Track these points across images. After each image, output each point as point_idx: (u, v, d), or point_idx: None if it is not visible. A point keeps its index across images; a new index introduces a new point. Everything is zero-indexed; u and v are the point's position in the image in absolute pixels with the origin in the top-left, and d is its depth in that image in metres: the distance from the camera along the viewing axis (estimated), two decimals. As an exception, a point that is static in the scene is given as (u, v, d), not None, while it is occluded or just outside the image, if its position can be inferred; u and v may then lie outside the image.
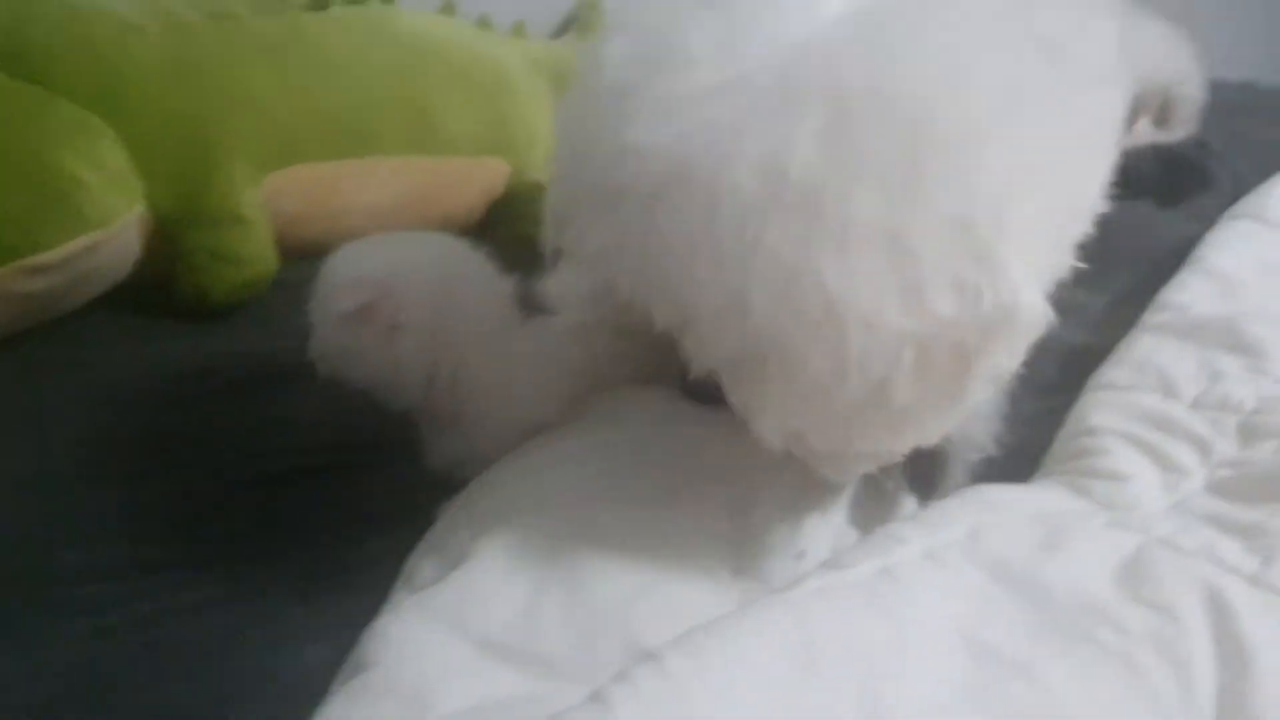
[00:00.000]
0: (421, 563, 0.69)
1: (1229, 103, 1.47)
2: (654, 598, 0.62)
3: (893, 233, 0.58)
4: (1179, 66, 1.38)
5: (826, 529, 0.72)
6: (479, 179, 1.10)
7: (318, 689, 0.60)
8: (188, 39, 0.97)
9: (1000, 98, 0.60)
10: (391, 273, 0.78)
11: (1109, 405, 0.83)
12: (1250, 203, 1.08)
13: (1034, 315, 0.62)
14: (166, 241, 0.97)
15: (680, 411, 0.78)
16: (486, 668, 0.59)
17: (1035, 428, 0.86)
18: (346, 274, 0.78)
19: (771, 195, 0.57)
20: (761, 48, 0.59)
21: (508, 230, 0.88)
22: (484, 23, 1.21)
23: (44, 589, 0.69)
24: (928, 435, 0.66)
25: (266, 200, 0.99)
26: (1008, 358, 0.64)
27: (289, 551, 0.74)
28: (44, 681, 0.63)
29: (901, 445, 0.66)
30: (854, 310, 0.58)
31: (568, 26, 1.36)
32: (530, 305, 0.84)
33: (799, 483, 0.72)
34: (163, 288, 0.99)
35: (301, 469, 0.82)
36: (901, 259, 0.58)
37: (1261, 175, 1.16)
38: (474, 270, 0.82)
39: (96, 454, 0.83)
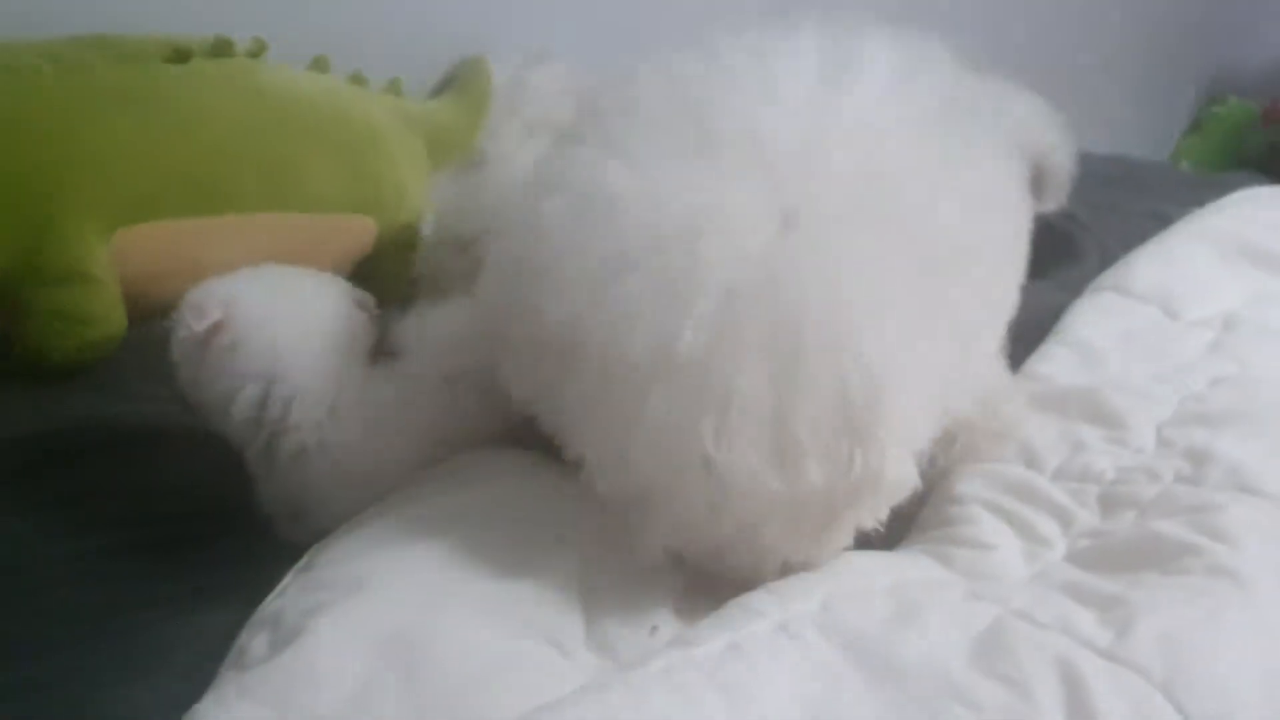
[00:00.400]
0: (252, 640, 0.65)
1: (1099, 175, 1.50)
2: (499, 677, 0.59)
3: (773, 409, 0.64)
4: (1050, 139, 1.41)
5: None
6: (344, 236, 1.07)
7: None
8: (30, 89, 0.93)
9: (871, 296, 0.66)
10: (239, 294, 0.77)
11: (975, 474, 0.82)
12: (1113, 274, 1.10)
13: (900, 480, 0.68)
14: (4, 299, 0.92)
15: (534, 474, 0.75)
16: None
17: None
18: (196, 295, 0.77)
19: (659, 370, 0.64)
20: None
21: (375, 288, 0.85)
22: (357, 79, 1.19)
23: None
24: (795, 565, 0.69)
25: (116, 258, 0.95)
26: (871, 515, 0.69)
27: (114, 628, 0.70)
28: None
29: (770, 569, 0.69)
30: (731, 473, 0.64)
31: (445, 85, 1.35)
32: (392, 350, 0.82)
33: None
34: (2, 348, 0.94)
35: (135, 541, 0.78)
36: (779, 432, 0.64)
37: (1127, 247, 1.18)
38: (331, 303, 0.81)
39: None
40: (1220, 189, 1.31)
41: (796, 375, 0.64)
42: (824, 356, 0.64)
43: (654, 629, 0.67)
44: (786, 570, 0.68)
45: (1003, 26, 1.96)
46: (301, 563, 0.72)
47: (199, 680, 0.64)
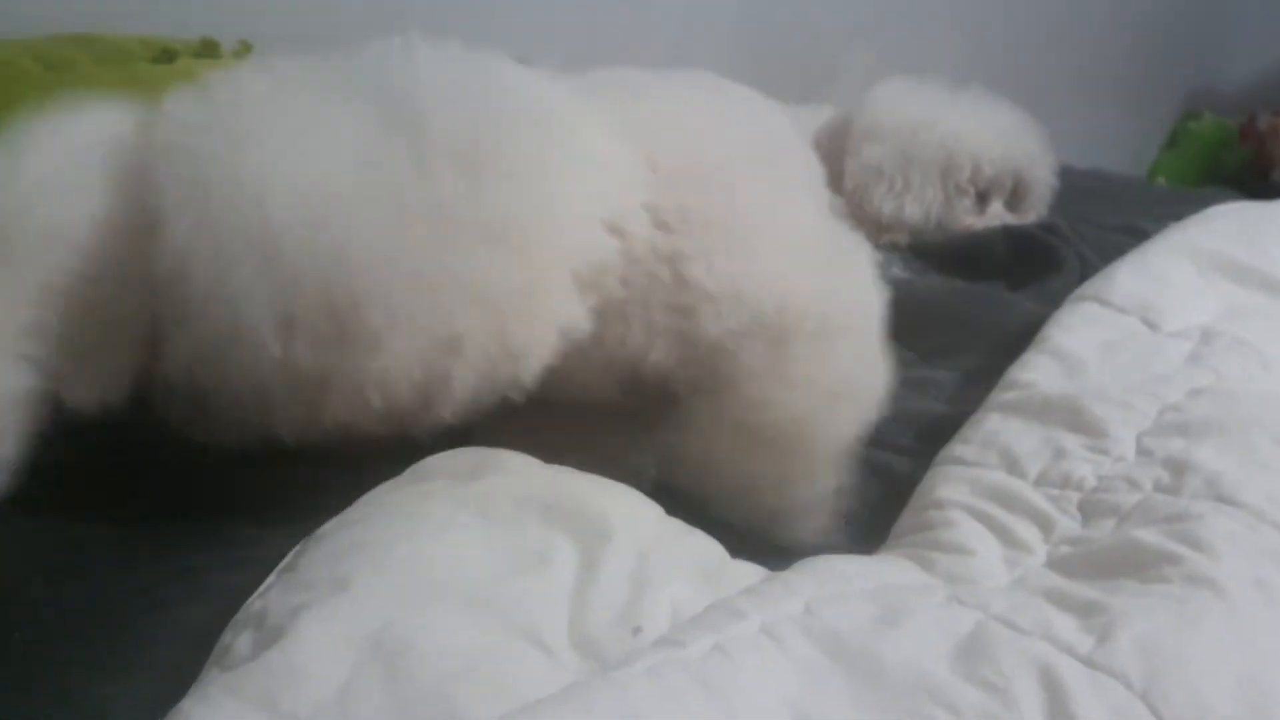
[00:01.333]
0: (236, 638, 0.65)
1: (1077, 188, 1.53)
2: (483, 675, 0.59)
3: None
4: (1031, 152, 1.43)
5: (666, 602, 0.70)
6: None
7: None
8: (16, 87, 0.92)
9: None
10: None
11: (956, 479, 0.83)
12: (1094, 285, 1.11)
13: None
14: None
15: (523, 474, 0.76)
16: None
17: (887, 498, 0.87)
18: None
19: None
20: None
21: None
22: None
23: None
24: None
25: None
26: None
27: (92, 624, 0.70)
28: None
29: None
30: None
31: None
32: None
33: (639, 545, 0.71)
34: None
35: (114, 535, 0.77)
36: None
37: (1106, 258, 1.20)
38: None
39: None
40: (1196, 204, 1.32)
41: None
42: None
43: (637, 629, 0.67)
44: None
45: (984, 42, 1.98)
46: (285, 562, 0.72)
47: (179, 679, 0.64)
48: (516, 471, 0.79)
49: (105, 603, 0.71)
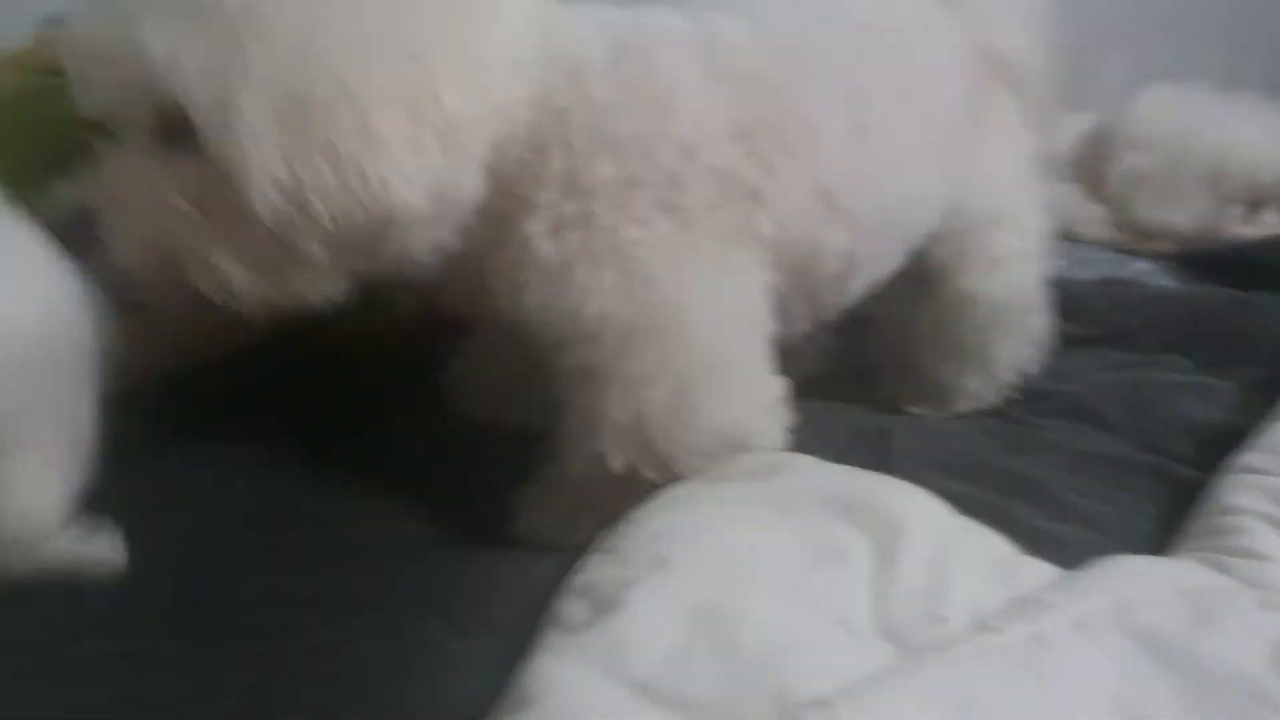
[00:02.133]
0: (571, 605, 0.71)
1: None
2: (802, 651, 0.63)
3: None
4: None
5: (963, 594, 0.72)
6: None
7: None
8: None
9: None
10: None
11: (1249, 488, 0.83)
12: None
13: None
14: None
15: (822, 466, 0.80)
16: (638, 710, 0.60)
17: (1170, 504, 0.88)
18: None
19: None
20: None
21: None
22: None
23: (221, 618, 0.73)
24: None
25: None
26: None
27: (430, 583, 0.78)
28: (217, 702, 0.66)
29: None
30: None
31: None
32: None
33: (934, 540, 0.74)
34: None
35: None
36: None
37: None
38: None
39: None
40: None
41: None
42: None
43: (940, 619, 0.70)
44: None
45: (1251, 46, 1.90)
46: (605, 543, 0.78)
47: (517, 639, 0.70)
48: (810, 470, 0.83)
49: (452, 569, 0.79)
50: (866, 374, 1.15)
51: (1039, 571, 0.75)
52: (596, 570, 0.74)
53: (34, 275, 0.72)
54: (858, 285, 0.96)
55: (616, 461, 0.82)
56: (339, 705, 0.66)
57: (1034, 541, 0.85)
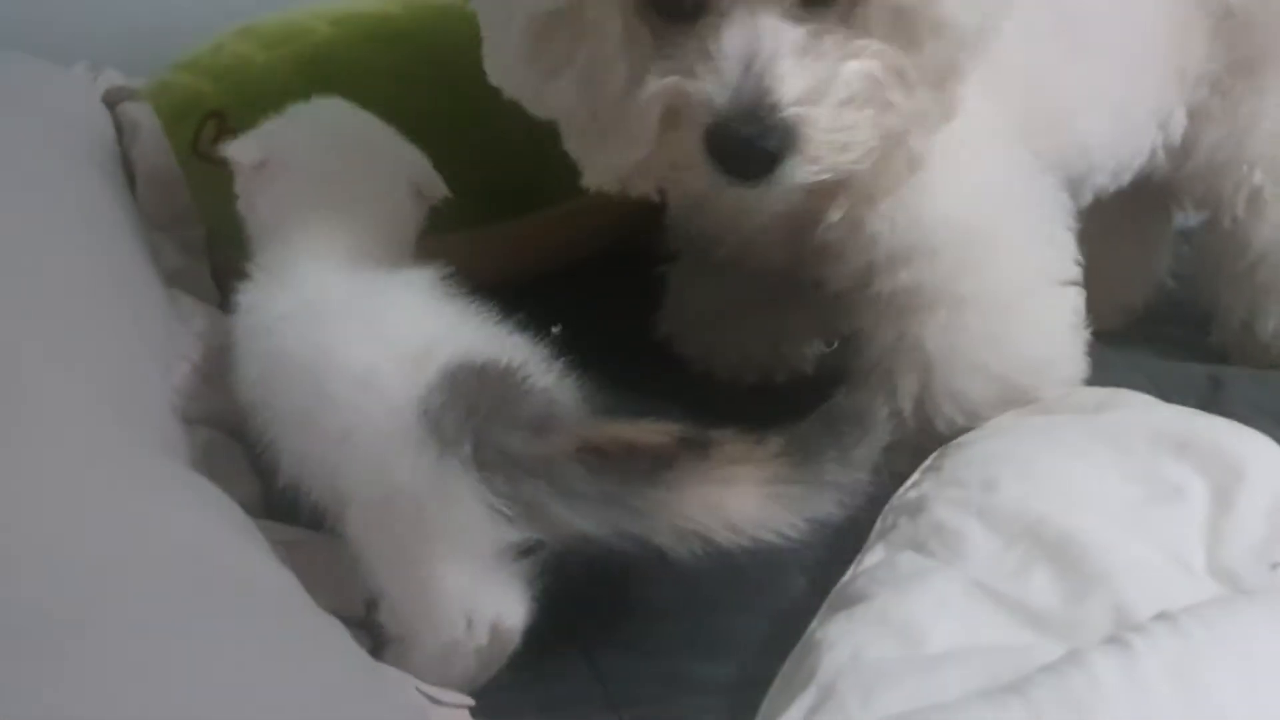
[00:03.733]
0: (898, 519, 0.75)
1: None
2: (1139, 574, 0.65)
3: None
4: None
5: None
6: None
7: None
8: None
9: None
10: None
11: None
12: None
13: None
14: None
15: (1156, 405, 0.80)
16: (976, 610, 0.64)
17: None
18: None
19: None
20: None
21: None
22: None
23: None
24: None
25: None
26: None
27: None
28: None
29: None
30: None
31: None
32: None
33: (1275, 487, 0.73)
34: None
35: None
36: None
37: None
38: None
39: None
40: None
41: None
42: None
43: (1276, 565, 0.70)
44: None
45: None
46: (928, 463, 0.82)
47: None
48: (1143, 408, 0.83)
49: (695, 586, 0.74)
50: (1200, 320, 1.13)
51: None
52: (924, 487, 0.78)
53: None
54: None
55: (908, 405, 0.85)
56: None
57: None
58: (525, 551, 0.67)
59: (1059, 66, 0.93)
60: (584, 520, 0.61)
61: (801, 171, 0.68)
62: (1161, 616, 0.54)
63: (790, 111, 0.67)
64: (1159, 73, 1.01)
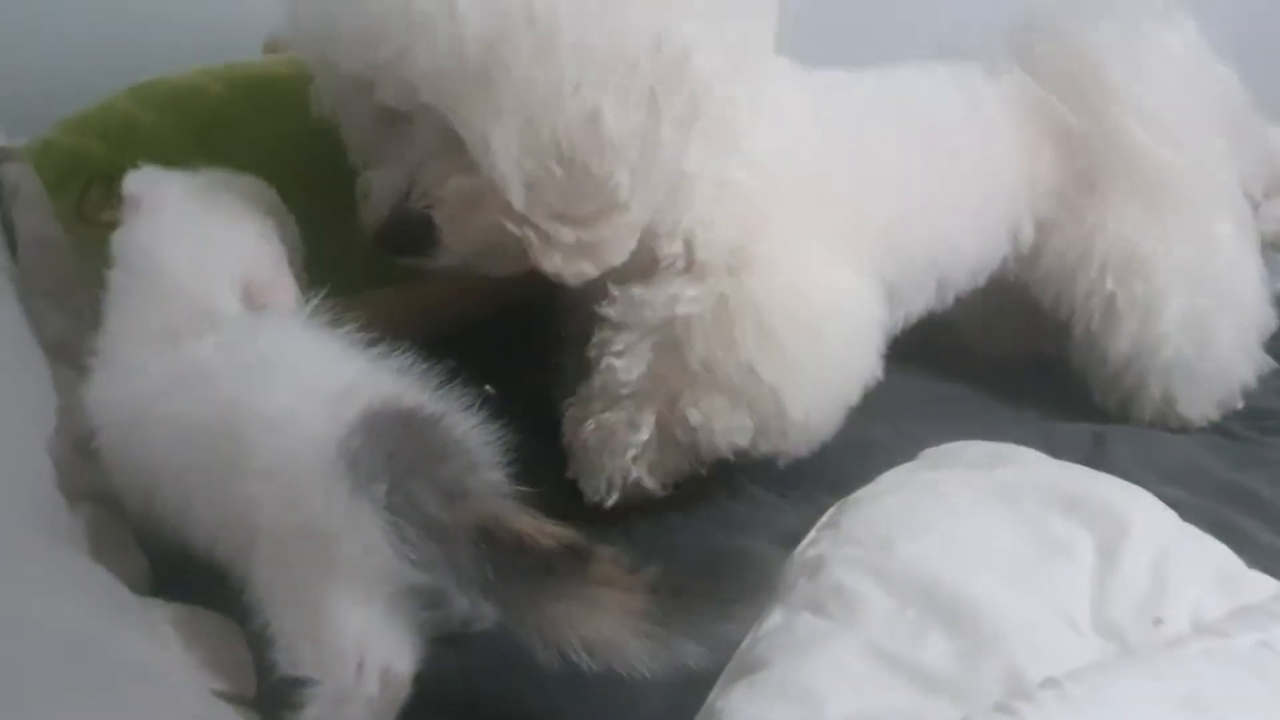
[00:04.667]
0: (798, 579, 0.75)
1: None
2: (1030, 634, 0.66)
3: None
4: None
5: (1186, 600, 0.74)
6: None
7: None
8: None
9: None
10: None
11: None
12: None
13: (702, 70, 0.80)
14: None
15: (1043, 461, 0.82)
16: (873, 675, 0.64)
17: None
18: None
19: None
20: None
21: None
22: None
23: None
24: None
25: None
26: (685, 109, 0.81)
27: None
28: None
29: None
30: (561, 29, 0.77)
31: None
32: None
33: (1158, 543, 0.75)
34: None
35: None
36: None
37: None
38: None
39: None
40: None
41: None
42: None
43: (1158, 621, 0.71)
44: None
45: None
46: (825, 519, 0.82)
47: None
48: (1032, 464, 0.85)
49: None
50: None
51: (1264, 585, 0.76)
52: (822, 546, 0.78)
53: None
54: None
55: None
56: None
57: (1256, 555, 0.85)
58: (424, 602, 0.68)
59: (925, 173, 1.04)
60: (462, 597, 0.64)
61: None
62: (1048, 683, 0.55)
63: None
64: (1010, 182, 1.10)
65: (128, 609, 0.64)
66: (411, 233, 0.84)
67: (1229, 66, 1.17)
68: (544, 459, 0.74)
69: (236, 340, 0.74)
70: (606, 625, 0.63)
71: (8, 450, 0.71)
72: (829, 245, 0.96)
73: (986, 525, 0.77)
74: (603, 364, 0.91)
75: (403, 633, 0.67)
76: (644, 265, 0.91)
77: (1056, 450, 0.97)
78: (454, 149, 0.82)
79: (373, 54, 0.79)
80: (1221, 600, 0.73)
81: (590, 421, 0.93)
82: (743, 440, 0.92)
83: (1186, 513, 0.84)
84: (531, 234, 0.84)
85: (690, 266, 0.91)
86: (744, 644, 0.72)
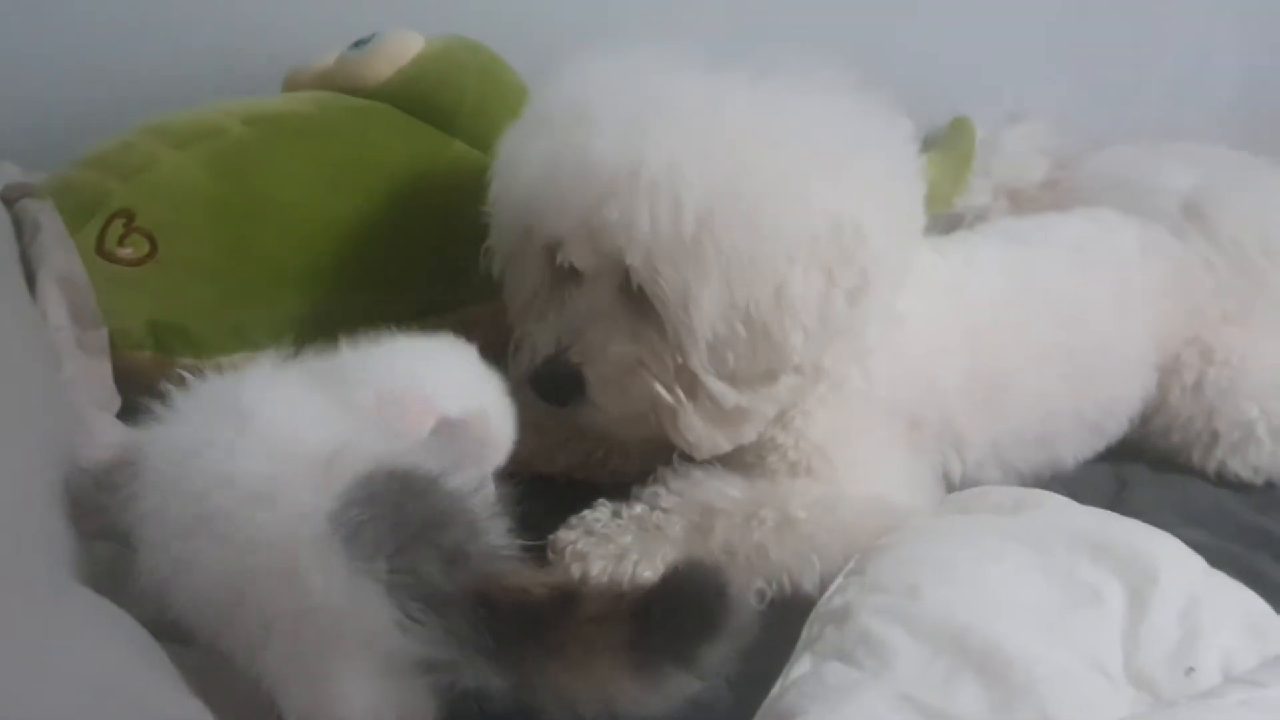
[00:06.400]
0: (824, 629, 0.75)
1: None
2: (1062, 684, 0.66)
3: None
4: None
5: (1216, 648, 0.73)
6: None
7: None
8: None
9: None
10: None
11: None
12: None
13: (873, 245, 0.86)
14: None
15: (1071, 507, 0.81)
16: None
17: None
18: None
19: None
20: None
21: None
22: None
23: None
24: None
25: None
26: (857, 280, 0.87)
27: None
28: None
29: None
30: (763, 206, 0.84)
31: (931, 142, 1.42)
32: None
33: (1188, 589, 0.75)
34: None
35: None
36: None
37: None
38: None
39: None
40: None
41: None
42: None
43: (1190, 670, 0.71)
44: None
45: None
46: (850, 567, 0.82)
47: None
48: (1059, 510, 0.85)
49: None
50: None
51: (1293, 631, 0.75)
52: (849, 594, 0.77)
53: None
54: None
55: None
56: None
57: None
58: (435, 667, 0.65)
59: (1056, 382, 1.05)
60: (467, 665, 0.62)
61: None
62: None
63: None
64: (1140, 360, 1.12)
65: (156, 656, 0.63)
66: (563, 383, 0.91)
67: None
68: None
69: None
70: (601, 668, 0.61)
71: (27, 489, 0.70)
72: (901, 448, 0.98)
73: (1015, 571, 0.76)
74: (638, 508, 0.92)
75: (419, 693, 0.65)
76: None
77: (1079, 492, 0.97)
78: (620, 315, 0.89)
79: (594, 217, 0.85)
80: (1252, 648, 0.72)
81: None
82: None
83: (1209, 556, 0.84)
84: (683, 397, 0.89)
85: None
86: (773, 692, 0.71)
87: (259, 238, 0.95)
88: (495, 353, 0.82)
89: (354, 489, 0.63)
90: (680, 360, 0.88)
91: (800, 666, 0.72)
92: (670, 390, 0.89)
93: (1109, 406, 1.09)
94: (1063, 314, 1.06)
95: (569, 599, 0.63)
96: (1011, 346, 1.02)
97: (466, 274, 0.97)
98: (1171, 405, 1.11)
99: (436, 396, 0.74)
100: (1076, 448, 1.08)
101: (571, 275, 0.91)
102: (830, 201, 0.86)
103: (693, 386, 0.89)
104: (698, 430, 0.90)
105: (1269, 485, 1.07)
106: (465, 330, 0.91)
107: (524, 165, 0.89)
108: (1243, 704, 0.60)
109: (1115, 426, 1.10)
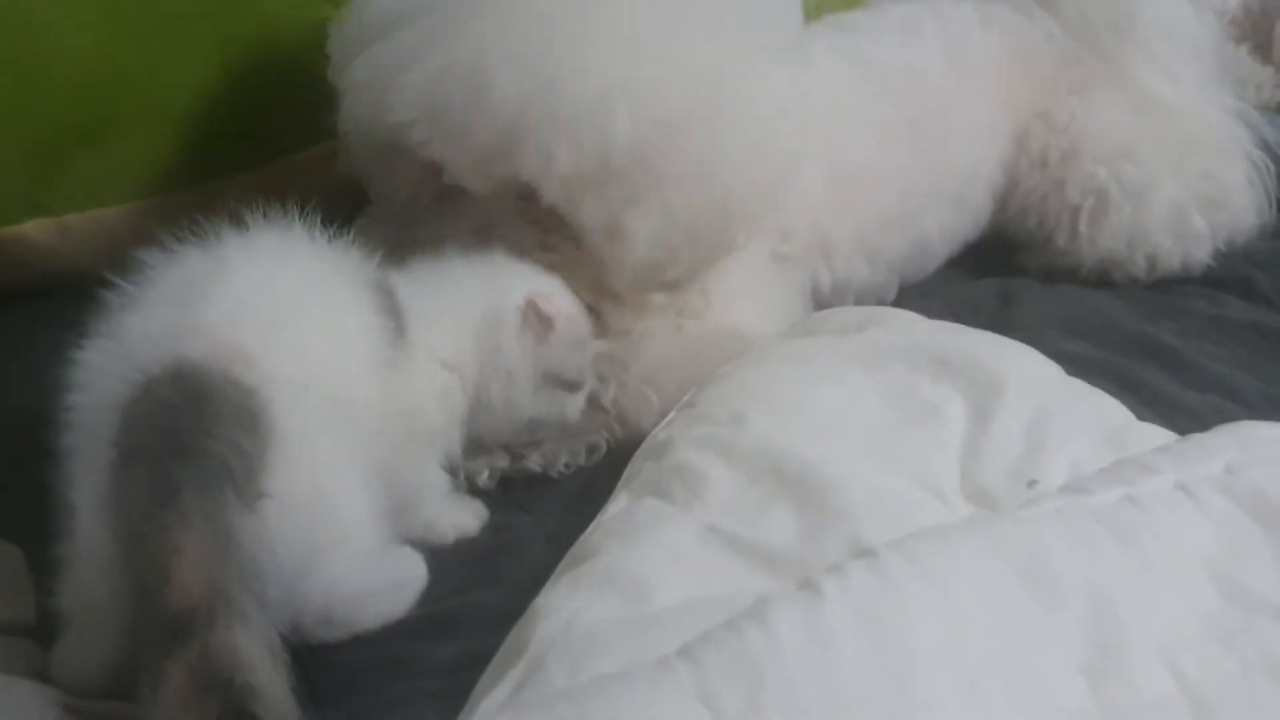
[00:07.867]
0: (644, 465, 0.70)
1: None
2: (884, 508, 0.61)
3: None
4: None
5: (1065, 460, 0.68)
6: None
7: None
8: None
9: None
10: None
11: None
12: None
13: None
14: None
15: (916, 322, 0.77)
16: (708, 557, 0.59)
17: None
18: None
19: None
20: None
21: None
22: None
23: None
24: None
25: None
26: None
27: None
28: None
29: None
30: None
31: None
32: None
33: (1036, 402, 0.70)
34: None
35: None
36: None
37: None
38: None
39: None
40: None
41: None
42: None
43: (1032, 483, 0.65)
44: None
45: None
46: (684, 400, 0.76)
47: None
48: (904, 326, 0.79)
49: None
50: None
51: (1154, 438, 0.70)
52: (673, 428, 0.72)
53: None
54: None
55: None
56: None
57: (1162, 408, 0.80)
58: None
59: (909, 165, 1.00)
60: None
61: None
62: (863, 553, 0.49)
63: None
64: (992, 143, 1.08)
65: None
66: None
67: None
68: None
69: None
70: None
71: None
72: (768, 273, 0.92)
73: (847, 392, 0.71)
74: None
75: None
76: None
77: (961, 312, 0.92)
78: (526, 226, 0.81)
79: (498, 157, 0.76)
80: (1106, 457, 0.67)
81: None
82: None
83: (1088, 367, 0.80)
84: (609, 306, 0.84)
85: None
86: (585, 534, 0.66)
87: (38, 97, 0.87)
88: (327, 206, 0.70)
89: None
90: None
91: (615, 505, 0.67)
92: (596, 302, 0.82)
93: (965, 176, 1.04)
94: (898, 87, 1.00)
95: None
96: (858, 132, 0.97)
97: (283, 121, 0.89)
98: (1023, 184, 1.07)
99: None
100: (941, 226, 1.03)
101: (461, 191, 0.82)
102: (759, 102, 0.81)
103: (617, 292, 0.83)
104: (626, 324, 0.84)
105: (1160, 288, 1.01)
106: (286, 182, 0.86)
107: (401, 84, 0.76)
108: (1058, 512, 0.54)
109: (976, 199, 1.06)
